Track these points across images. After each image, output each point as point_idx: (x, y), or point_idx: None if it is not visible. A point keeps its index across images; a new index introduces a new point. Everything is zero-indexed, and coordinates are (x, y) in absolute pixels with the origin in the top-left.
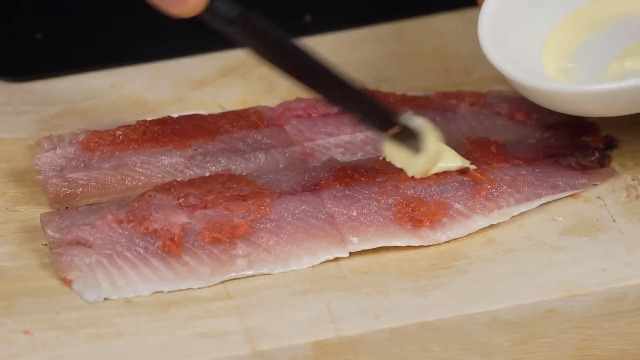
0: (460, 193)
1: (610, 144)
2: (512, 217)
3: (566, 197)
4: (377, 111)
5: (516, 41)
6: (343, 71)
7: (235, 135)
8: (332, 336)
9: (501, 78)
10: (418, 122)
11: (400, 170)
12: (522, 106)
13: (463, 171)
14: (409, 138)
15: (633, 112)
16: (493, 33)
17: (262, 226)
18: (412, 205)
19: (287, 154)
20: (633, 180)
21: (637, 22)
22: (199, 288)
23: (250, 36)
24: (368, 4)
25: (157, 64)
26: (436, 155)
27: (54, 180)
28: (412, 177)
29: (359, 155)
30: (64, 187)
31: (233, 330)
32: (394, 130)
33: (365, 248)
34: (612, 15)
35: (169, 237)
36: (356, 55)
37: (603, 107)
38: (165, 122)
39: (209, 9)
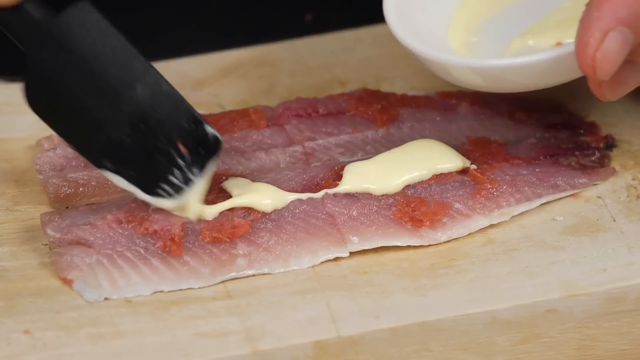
0: (461, 193)
1: (610, 144)
2: (513, 216)
3: (566, 196)
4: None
5: (423, 15)
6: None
7: (235, 135)
8: (332, 336)
9: None
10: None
11: None
12: (522, 106)
13: (463, 171)
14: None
15: (529, 89)
16: (399, 7)
17: (262, 226)
18: (412, 205)
19: (287, 154)
20: (633, 180)
21: (541, 0)
22: (199, 288)
23: (54, 44)
24: (368, 4)
25: (157, 64)
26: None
27: (55, 180)
28: None
29: (359, 155)
30: (64, 187)
31: (233, 330)
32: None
33: (366, 248)
34: None
35: (170, 237)
36: (356, 55)
37: (500, 82)
38: None
39: (19, 8)
